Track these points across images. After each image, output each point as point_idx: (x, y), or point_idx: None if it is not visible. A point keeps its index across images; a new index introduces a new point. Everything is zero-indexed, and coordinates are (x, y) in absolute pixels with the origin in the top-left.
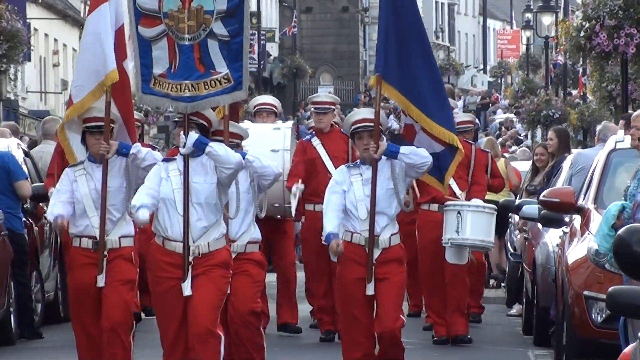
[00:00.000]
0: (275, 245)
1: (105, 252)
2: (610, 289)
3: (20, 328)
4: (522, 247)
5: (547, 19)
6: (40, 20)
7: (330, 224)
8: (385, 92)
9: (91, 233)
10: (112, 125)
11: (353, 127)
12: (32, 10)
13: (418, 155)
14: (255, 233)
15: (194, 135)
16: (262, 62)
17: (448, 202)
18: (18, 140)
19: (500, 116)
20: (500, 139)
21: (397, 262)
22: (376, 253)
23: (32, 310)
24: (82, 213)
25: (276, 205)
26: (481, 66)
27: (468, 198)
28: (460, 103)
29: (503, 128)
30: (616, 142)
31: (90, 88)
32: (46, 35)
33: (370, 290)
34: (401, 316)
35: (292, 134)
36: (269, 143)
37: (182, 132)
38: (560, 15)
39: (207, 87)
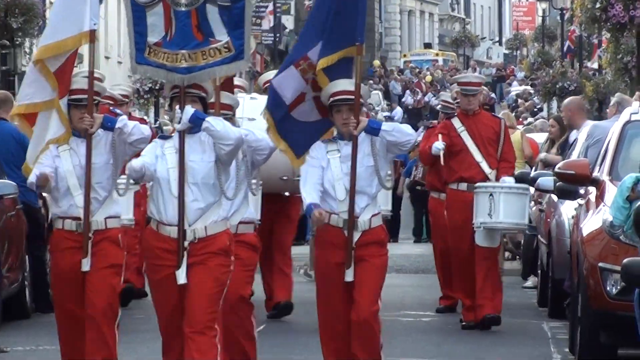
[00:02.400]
0: (275, 226)
1: (90, 234)
2: (625, 260)
3: (35, 301)
4: (537, 219)
5: None
6: None
7: (310, 195)
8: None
9: (75, 213)
10: (97, 98)
11: (332, 99)
12: None
13: (401, 132)
14: (249, 212)
15: (189, 110)
16: (277, 35)
17: (479, 184)
18: None
19: (516, 88)
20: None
21: (378, 245)
22: (356, 236)
23: (47, 283)
24: (66, 191)
25: (284, 178)
26: (497, 38)
27: (497, 177)
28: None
29: (519, 100)
30: (631, 114)
31: (67, 35)
32: None
33: (349, 276)
34: (378, 302)
35: None
36: None
37: (177, 107)
38: None
39: (205, 56)
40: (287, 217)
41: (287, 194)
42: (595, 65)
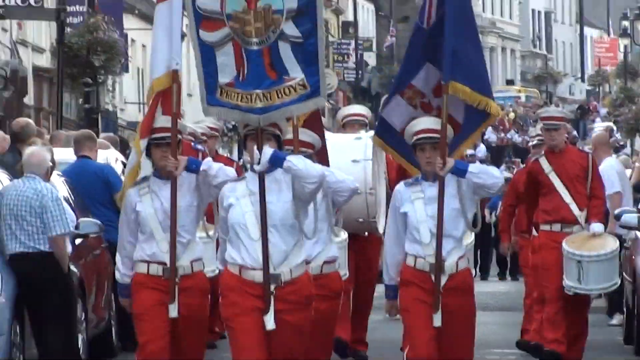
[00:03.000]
0: (358, 265)
1: (177, 279)
2: None
3: (122, 340)
4: (622, 257)
5: None
6: (138, 30)
7: (391, 268)
8: (460, 95)
9: (160, 258)
10: (180, 136)
11: (415, 138)
12: (129, 21)
13: (488, 174)
14: (332, 251)
15: (269, 150)
16: (359, 72)
17: (566, 249)
18: (117, 153)
19: (599, 125)
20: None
21: (466, 293)
22: (443, 280)
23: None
24: (149, 236)
25: (360, 220)
26: (579, 74)
27: (588, 219)
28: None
29: None
30: None
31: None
32: (143, 46)
33: (437, 321)
34: (472, 353)
35: None
36: (349, 153)
37: (255, 147)
38: None
39: (280, 95)
40: (366, 257)
41: (366, 234)
42: None
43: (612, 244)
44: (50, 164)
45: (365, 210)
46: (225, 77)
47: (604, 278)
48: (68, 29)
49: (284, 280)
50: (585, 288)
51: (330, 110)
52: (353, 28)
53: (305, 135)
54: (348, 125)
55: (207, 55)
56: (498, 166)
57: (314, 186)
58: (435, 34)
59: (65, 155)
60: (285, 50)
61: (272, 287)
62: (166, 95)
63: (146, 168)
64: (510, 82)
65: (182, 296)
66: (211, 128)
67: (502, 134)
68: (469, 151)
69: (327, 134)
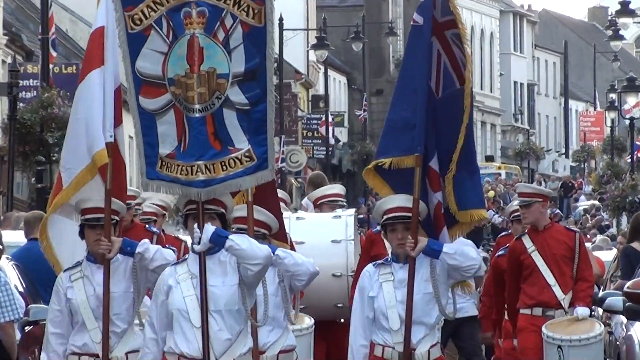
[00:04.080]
0: (329, 356)
1: None
2: None
3: None
4: (606, 343)
5: (632, 99)
6: None
7: (357, 353)
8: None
9: (92, 350)
10: (115, 217)
11: (385, 217)
12: None
13: (464, 255)
14: (289, 339)
15: (210, 228)
16: (330, 148)
17: (546, 333)
18: None
19: (583, 203)
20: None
21: None
22: None
23: None
24: (81, 326)
25: (339, 305)
26: (563, 150)
27: (573, 302)
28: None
29: (587, 215)
30: None
31: (79, 169)
32: None
33: None
34: None
35: (355, 222)
36: (328, 233)
37: (195, 225)
38: None
39: (225, 167)
40: (340, 347)
41: (342, 320)
42: None
43: (597, 328)
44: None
45: (347, 295)
46: (166, 147)
47: None
48: (20, 104)
49: None
50: None
51: (298, 190)
52: (324, 102)
53: (259, 213)
54: (324, 207)
55: (147, 124)
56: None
57: (257, 268)
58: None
59: (15, 237)
60: (230, 118)
61: None
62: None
63: (67, 256)
64: (489, 158)
65: None
66: (160, 206)
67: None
68: None
69: (303, 213)
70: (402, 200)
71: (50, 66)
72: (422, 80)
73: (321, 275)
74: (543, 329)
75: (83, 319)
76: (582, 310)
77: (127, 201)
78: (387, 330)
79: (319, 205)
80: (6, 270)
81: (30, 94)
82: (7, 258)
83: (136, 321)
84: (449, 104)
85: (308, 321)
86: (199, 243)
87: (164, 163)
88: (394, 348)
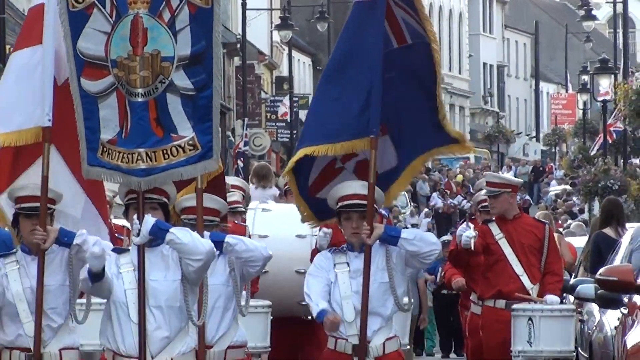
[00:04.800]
0: (304, 352)
1: None
2: None
3: None
4: (578, 330)
5: (605, 81)
6: None
7: (319, 302)
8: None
9: (24, 344)
10: (52, 206)
11: (340, 204)
12: None
13: (424, 241)
14: (239, 335)
15: (150, 220)
16: (295, 131)
17: (516, 306)
18: None
19: (555, 188)
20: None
21: None
22: None
23: None
24: (14, 318)
25: (303, 303)
26: (534, 133)
27: (540, 293)
28: (510, 173)
29: (559, 200)
30: None
31: (27, 125)
32: None
33: None
34: None
35: None
36: (293, 227)
37: (135, 216)
38: (620, 77)
39: (167, 155)
40: (317, 342)
41: (309, 317)
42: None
43: (569, 305)
44: None
45: None
46: (107, 133)
47: (558, 339)
48: None
49: None
50: (535, 350)
51: None
52: (288, 84)
53: (210, 200)
54: (290, 194)
55: (88, 108)
56: (445, 234)
57: (199, 264)
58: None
59: None
60: (174, 104)
61: None
62: (28, 154)
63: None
64: None
65: None
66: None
67: (449, 200)
68: (413, 221)
69: (270, 205)
70: (357, 186)
71: (6, 47)
72: (376, 57)
73: (284, 271)
74: (513, 306)
75: (17, 311)
76: (551, 298)
77: None
78: (342, 321)
79: (285, 192)
80: None
81: None
82: None
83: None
84: (415, 61)
85: (266, 301)
86: (138, 235)
87: (105, 149)
88: (347, 340)
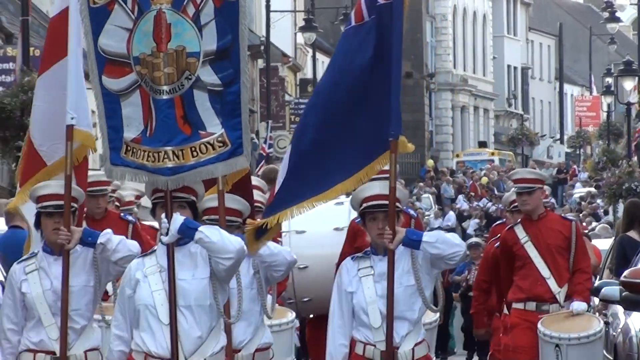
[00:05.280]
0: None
1: None
2: None
3: None
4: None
5: (629, 83)
6: None
7: (335, 353)
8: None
9: (48, 347)
10: (74, 205)
11: (364, 205)
12: None
13: (447, 242)
14: (266, 337)
15: (179, 219)
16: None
17: (543, 331)
18: None
19: (579, 190)
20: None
21: None
22: None
23: None
24: (36, 322)
25: None
26: (558, 136)
27: (569, 292)
28: None
29: (583, 203)
30: None
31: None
32: None
33: None
34: None
35: None
36: (330, 221)
37: (163, 215)
38: None
39: (195, 153)
40: None
41: None
42: None
43: (596, 324)
44: None
45: None
46: (131, 131)
47: None
48: (0, 88)
49: None
50: None
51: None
52: (312, 86)
53: (232, 201)
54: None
55: (111, 106)
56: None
57: (229, 262)
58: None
59: None
60: (201, 99)
61: None
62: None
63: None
64: (482, 144)
65: None
66: (137, 197)
67: (474, 202)
68: (436, 221)
69: None
70: (381, 187)
71: (31, 49)
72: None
73: (324, 265)
74: (539, 325)
75: (39, 314)
76: (578, 305)
77: (101, 187)
78: (368, 327)
79: None
80: None
81: (10, 77)
82: None
83: (98, 316)
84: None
85: (290, 315)
86: (167, 234)
87: (129, 148)
88: (375, 346)
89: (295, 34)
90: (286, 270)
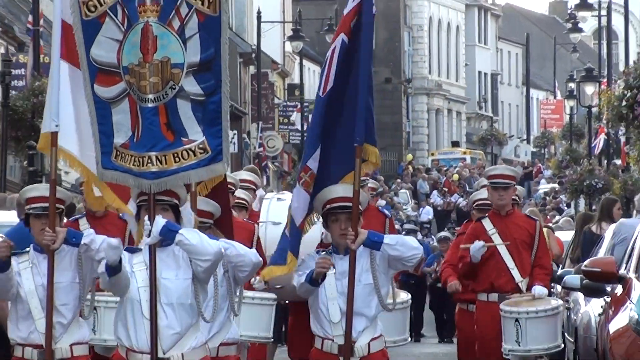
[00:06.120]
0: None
1: None
2: None
3: None
4: (564, 318)
5: (590, 88)
6: None
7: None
8: (369, 156)
9: (36, 340)
10: (60, 206)
11: (328, 207)
12: None
13: (406, 245)
14: (232, 332)
15: (160, 221)
16: (305, 134)
17: (503, 308)
18: None
19: (544, 186)
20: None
21: None
22: None
23: None
24: (27, 315)
25: None
26: (524, 136)
27: (530, 284)
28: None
29: (547, 198)
30: None
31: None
32: None
33: None
34: None
35: None
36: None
37: (146, 217)
38: (604, 84)
39: (177, 159)
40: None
41: None
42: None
43: (554, 302)
44: None
45: None
46: (120, 137)
47: (544, 338)
48: (13, 92)
49: None
50: (523, 349)
51: (275, 173)
52: (299, 90)
53: (204, 203)
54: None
55: (102, 113)
56: (443, 229)
57: (207, 264)
58: (335, 98)
59: (8, 217)
60: (184, 108)
61: None
62: None
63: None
64: (455, 144)
65: None
66: None
67: (448, 197)
68: (412, 212)
69: (285, 194)
70: (344, 190)
71: (41, 56)
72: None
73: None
74: (501, 305)
75: (30, 308)
76: (539, 290)
77: None
78: (328, 321)
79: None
80: None
81: (22, 82)
82: (0, 236)
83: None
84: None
85: (272, 295)
86: (149, 235)
87: (118, 153)
88: (333, 340)
89: (284, 42)
90: (251, 271)
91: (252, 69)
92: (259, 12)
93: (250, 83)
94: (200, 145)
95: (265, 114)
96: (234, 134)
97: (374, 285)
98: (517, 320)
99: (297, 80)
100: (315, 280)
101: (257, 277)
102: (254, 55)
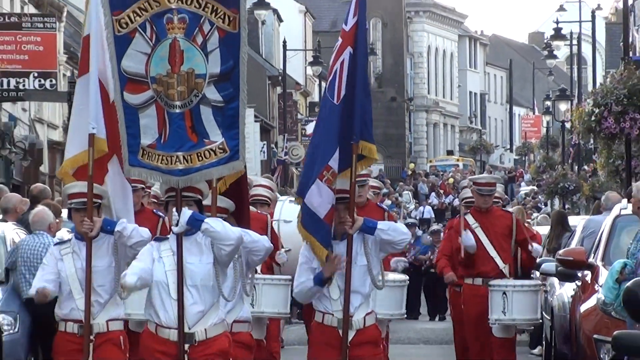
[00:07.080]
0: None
1: (92, 337)
2: (615, 332)
3: None
4: (542, 299)
5: (563, 106)
6: None
7: (299, 286)
8: (366, 152)
9: (77, 316)
10: (98, 201)
11: None
12: None
13: (397, 231)
14: (243, 311)
15: (187, 212)
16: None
17: (493, 282)
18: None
19: (524, 188)
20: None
21: (373, 345)
22: (350, 334)
23: None
24: (68, 294)
25: None
26: (508, 146)
27: (523, 251)
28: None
29: (527, 198)
30: (620, 210)
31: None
32: None
33: None
34: None
35: None
36: None
37: (174, 209)
38: (575, 102)
39: (200, 158)
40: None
41: None
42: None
43: (537, 281)
44: (52, 220)
45: None
46: (147, 138)
47: (527, 310)
48: None
49: (198, 340)
50: (509, 318)
51: (297, 177)
52: (318, 107)
53: (220, 200)
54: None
55: (130, 117)
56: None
57: (230, 248)
58: (348, 107)
59: None
60: (206, 114)
61: (187, 346)
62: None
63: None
64: (450, 153)
65: (96, 353)
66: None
67: (443, 198)
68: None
69: (292, 198)
70: (342, 183)
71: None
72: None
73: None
74: (490, 282)
75: (71, 289)
76: (537, 247)
77: (135, 184)
78: (328, 298)
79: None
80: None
81: None
82: (68, 231)
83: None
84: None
85: (287, 277)
86: (177, 225)
87: (145, 152)
88: (333, 315)
89: (306, 67)
90: (264, 255)
91: (278, 90)
92: (284, 42)
93: (277, 101)
94: (220, 146)
95: (290, 127)
96: (264, 144)
97: (367, 266)
98: (504, 292)
99: (317, 99)
100: (326, 279)
101: (282, 250)
102: (280, 77)
